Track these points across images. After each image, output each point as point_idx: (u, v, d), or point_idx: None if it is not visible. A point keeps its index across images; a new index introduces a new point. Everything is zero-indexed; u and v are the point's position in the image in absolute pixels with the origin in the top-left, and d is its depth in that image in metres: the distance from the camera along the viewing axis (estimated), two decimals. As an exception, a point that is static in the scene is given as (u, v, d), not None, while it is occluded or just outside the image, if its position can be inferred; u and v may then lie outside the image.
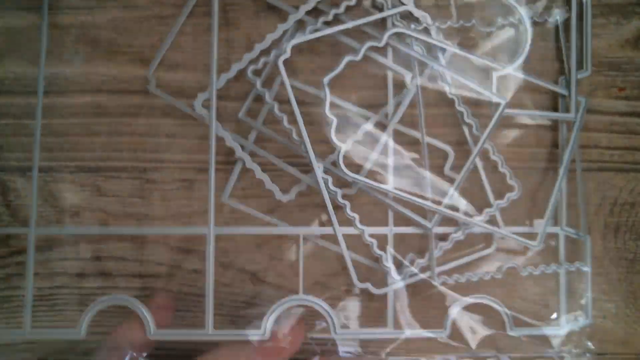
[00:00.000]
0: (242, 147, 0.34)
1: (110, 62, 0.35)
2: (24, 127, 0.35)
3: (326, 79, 0.32)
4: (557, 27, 0.34)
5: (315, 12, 0.34)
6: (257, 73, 0.34)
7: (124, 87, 0.35)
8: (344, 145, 0.33)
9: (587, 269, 0.34)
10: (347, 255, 0.33)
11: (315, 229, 0.34)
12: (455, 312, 0.33)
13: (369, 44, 0.33)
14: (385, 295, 0.34)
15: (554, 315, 0.34)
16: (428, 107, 0.34)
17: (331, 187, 0.33)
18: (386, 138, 0.34)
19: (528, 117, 0.34)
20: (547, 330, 0.34)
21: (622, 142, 0.34)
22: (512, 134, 0.34)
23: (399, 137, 0.34)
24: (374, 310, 0.34)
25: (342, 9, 0.34)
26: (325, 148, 0.34)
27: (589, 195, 0.34)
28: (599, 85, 0.34)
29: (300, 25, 0.34)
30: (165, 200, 0.35)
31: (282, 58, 0.33)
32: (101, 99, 0.35)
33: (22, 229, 0.34)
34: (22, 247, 0.35)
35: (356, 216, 0.33)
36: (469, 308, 0.34)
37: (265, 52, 0.34)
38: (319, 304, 0.33)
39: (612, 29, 0.34)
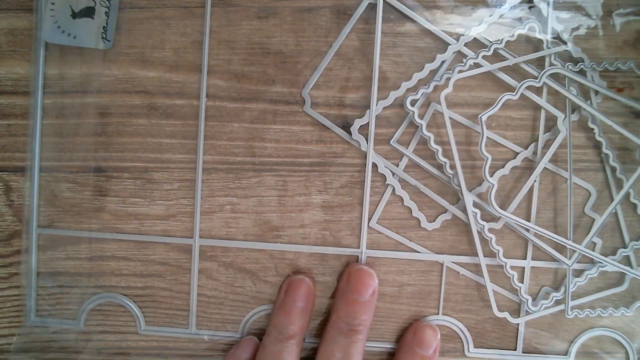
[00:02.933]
0: (392, 174, 0.35)
1: (110, 62, 0.35)
2: (25, 127, 0.35)
3: (484, 116, 0.33)
4: None
5: (474, 44, 0.35)
6: (412, 103, 0.34)
7: (124, 87, 0.35)
8: (496, 183, 0.34)
9: None
10: (489, 285, 0.35)
11: (459, 258, 0.35)
12: (581, 341, 0.36)
13: (526, 82, 0.34)
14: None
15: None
16: (574, 144, 0.35)
17: (479, 220, 0.34)
18: (534, 176, 0.35)
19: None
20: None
21: None
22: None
23: (544, 174, 0.35)
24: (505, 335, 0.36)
25: (502, 44, 0.34)
26: (470, 175, 0.35)
27: None
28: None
29: (458, 55, 0.35)
30: (166, 200, 0.36)
31: (444, 92, 0.33)
32: (101, 99, 0.35)
33: (188, 240, 0.36)
34: (25, 246, 0.36)
35: (500, 249, 0.34)
36: (594, 339, 0.36)
37: (423, 81, 0.35)
38: (455, 324, 0.35)
39: (612, 29, 0.34)
